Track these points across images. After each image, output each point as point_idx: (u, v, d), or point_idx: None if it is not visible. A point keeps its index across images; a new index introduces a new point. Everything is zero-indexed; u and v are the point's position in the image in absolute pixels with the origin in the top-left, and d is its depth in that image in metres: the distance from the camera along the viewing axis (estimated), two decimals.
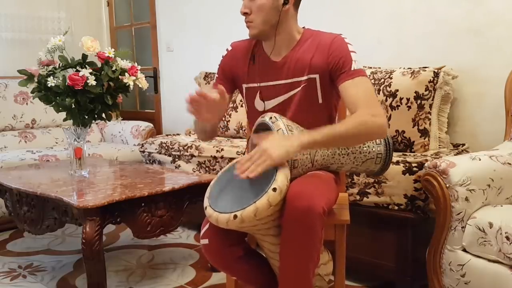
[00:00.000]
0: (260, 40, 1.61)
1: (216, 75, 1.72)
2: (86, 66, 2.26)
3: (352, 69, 1.47)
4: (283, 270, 1.36)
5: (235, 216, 1.25)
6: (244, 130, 3.05)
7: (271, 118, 1.43)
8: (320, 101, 1.57)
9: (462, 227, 1.65)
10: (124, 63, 2.32)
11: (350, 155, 1.51)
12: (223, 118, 3.19)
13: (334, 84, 1.52)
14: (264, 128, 1.46)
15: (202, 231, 1.45)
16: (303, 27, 1.62)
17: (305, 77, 1.55)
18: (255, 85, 1.63)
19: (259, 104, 1.65)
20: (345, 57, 1.49)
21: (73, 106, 2.24)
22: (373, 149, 1.54)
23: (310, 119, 1.53)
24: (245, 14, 1.53)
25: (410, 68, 2.35)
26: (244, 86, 1.67)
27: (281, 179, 1.27)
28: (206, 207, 1.35)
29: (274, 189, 1.25)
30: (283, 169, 1.31)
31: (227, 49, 1.71)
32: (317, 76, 1.54)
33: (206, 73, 3.55)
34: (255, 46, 1.65)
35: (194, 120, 1.58)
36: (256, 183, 1.31)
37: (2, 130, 3.68)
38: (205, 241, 1.44)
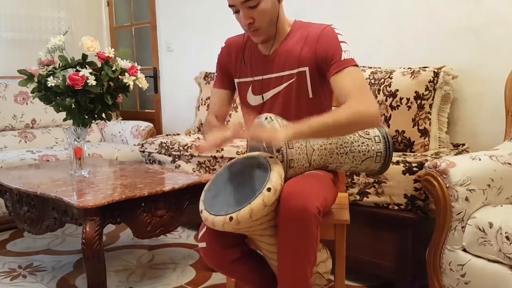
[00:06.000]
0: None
1: (215, 74, 1.72)
2: (86, 66, 2.25)
3: (342, 59, 1.42)
4: (282, 270, 1.35)
5: (231, 218, 1.25)
6: (244, 130, 3.04)
7: (266, 118, 1.43)
8: (311, 95, 1.53)
9: (462, 227, 1.65)
10: (124, 63, 2.32)
11: (349, 154, 1.49)
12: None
13: (325, 77, 1.48)
14: None
15: (200, 234, 1.45)
16: (294, 20, 1.59)
17: (295, 71, 1.52)
18: (247, 79, 1.63)
19: (251, 99, 1.64)
20: (334, 48, 1.44)
21: (73, 106, 2.24)
22: (372, 148, 1.52)
23: (301, 114, 1.48)
24: (249, 24, 1.48)
25: (410, 68, 2.35)
26: (236, 81, 1.66)
27: (275, 178, 1.27)
28: (201, 211, 1.34)
29: (269, 189, 1.25)
30: (277, 168, 1.31)
31: (222, 47, 1.70)
32: (306, 68, 1.51)
33: (206, 73, 3.55)
34: (247, 40, 1.63)
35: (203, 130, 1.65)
36: (251, 184, 1.31)
37: (2, 130, 3.68)
38: (202, 245, 1.44)
